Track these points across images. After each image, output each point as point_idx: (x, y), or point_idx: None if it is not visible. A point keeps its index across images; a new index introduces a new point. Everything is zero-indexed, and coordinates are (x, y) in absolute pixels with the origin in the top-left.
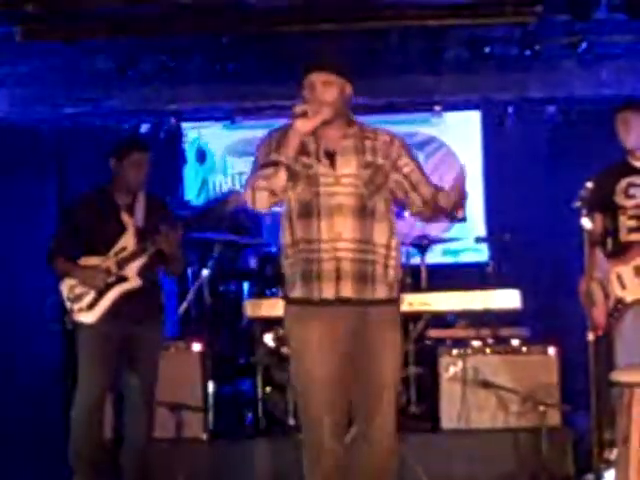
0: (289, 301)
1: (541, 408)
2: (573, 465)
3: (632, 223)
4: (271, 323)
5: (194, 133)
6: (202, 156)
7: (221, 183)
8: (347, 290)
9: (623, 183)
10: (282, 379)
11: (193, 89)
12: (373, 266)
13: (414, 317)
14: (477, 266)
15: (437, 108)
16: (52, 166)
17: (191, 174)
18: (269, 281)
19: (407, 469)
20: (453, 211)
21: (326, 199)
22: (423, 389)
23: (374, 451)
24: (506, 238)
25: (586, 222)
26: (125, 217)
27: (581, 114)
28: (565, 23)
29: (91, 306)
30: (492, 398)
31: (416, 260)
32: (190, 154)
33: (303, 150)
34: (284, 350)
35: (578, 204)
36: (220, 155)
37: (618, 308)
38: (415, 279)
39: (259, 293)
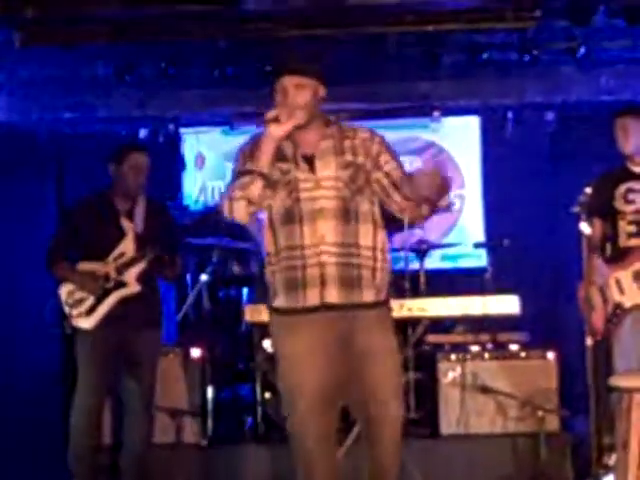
0: (274, 310)
1: (540, 413)
2: (572, 470)
3: (631, 228)
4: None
5: (193, 138)
6: (201, 161)
7: (220, 189)
8: (332, 296)
9: (622, 188)
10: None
11: (192, 94)
12: (359, 270)
13: (413, 322)
14: (476, 271)
15: (436, 113)
16: (51, 171)
17: (190, 179)
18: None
19: (406, 474)
20: (437, 199)
21: (307, 204)
22: (422, 394)
23: (379, 455)
24: (505, 243)
25: (585, 227)
26: (125, 222)
27: (580, 119)
28: (564, 28)
29: (90, 311)
30: (491, 403)
31: (415, 265)
32: (189, 159)
33: (280, 156)
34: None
35: (577, 209)
36: (219, 161)
37: (617, 313)
38: (414, 284)
39: (258, 298)
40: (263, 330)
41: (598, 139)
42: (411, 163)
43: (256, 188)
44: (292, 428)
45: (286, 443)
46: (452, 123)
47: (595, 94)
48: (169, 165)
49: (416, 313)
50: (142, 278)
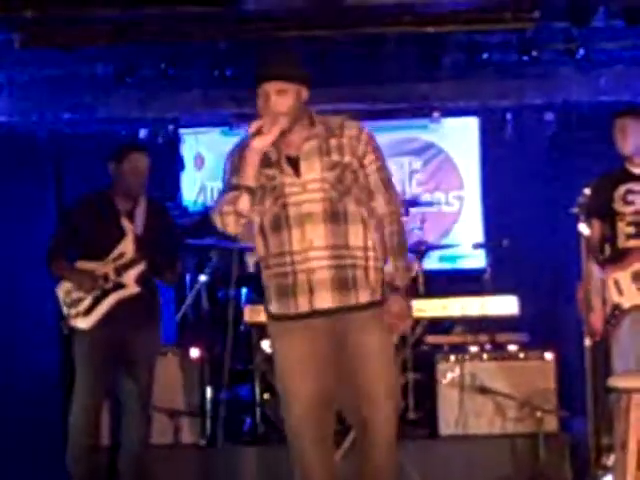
0: (269, 316)
1: (538, 414)
2: (570, 471)
3: (630, 229)
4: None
5: (192, 139)
6: (200, 162)
7: (219, 189)
8: (325, 300)
9: (621, 190)
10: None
11: (191, 95)
12: (353, 271)
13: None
14: (475, 272)
15: (435, 114)
16: (50, 171)
17: (189, 180)
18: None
19: (405, 475)
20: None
21: (295, 209)
22: (421, 395)
23: (373, 456)
24: (504, 244)
25: (584, 228)
26: (125, 223)
27: (579, 120)
28: (563, 29)
29: (88, 312)
30: (489, 404)
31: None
32: (188, 160)
33: (265, 162)
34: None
35: (576, 210)
36: (218, 161)
37: (615, 314)
38: (412, 285)
39: (257, 299)
40: (262, 331)
41: (597, 140)
42: (410, 164)
43: (244, 202)
44: (289, 431)
45: (285, 444)
46: (451, 124)
47: (594, 95)
48: (168, 166)
49: (415, 314)
50: (141, 280)
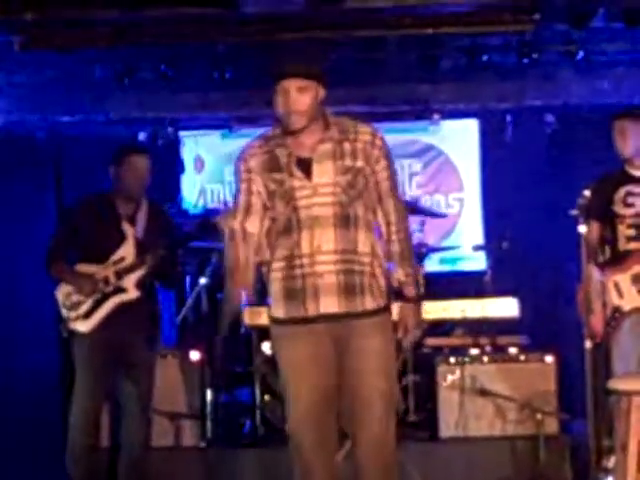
0: (273, 320)
1: (539, 416)
2: (571, 473)
3: (631, 232)
4: (269, 331)
5: (192, 142)
6: (200, 165)
7: (219, 192)
8: (332, 305)
9: (621, 192)
10: (280, 387)
11: (191, 97)
12: (361, 277)
13: None
14: (475, 274)
15: (435, 116)
16: (50, 173)
17: (189, 183)
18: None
19: (406, 477)
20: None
21: (305, 212)
22: (421, 397)
23: (366, 462)
24: (504, 246)
25: (584, 230)
26: (126, 226)
27: (579, 122)
28: (563, 31)
29: (87, 315)
30: (490, 406)
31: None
32: (188, 163)
33: (274, 166)
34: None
35: (576, 212)
36: (218, 164)
37: (615, 316)
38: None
39: (257, 301)
40: (262, 333)
41: (597, 142)
42: (410, 166)
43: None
44: (291, 432)
45: (285, 446)
46: (451, 126)
47: (594, 97)
48: (168, 168)
49: None
50: (141, 284)
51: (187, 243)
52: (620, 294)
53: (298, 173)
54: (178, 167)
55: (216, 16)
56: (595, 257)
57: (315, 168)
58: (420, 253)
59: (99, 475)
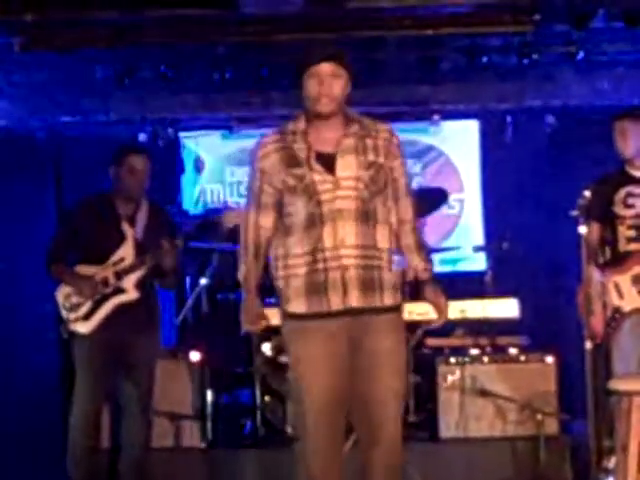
0: (291, 316)
1: (539, 416)
2: (571, 473)
3: (631, 233)
4: (269, 332)
5: (192, 142)
6: (200, 165)
7: (219, 192)
8: (355, 299)
9: (622, 193)
10: (280, 388)
11: (191, 98)
12: (380, 272)
13: (412, 326)
14: (475, 275)
15: (435, 117)
16: (50, 174)
17: (189, 183)
18: (267, 290)
19: (406, 478)
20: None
21: (327, 206)
22: (421, 398)
23: (380, 456)
24: (504, 247)
25: (584, 231)
26: (125, 227)
27: (579, 123)
28: (563, 32)
29: (87, 316)
30: (490, 407)
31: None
32: (188, 163)
33: (293, 161)
34: (282, 359)
35: (576, 213)
36: (218, 164)
37: (615, 317)
38: (414, 288)
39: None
40: (262, 334)
41: (597, 142)
42: (410, 167)
43: None
44: (301, 428)
45: (285, 447)
46: (451, 127)
47: (594, 97)
48: (168, 169)
49: (415, 317)
50: (140, 285)
51: (187, 242)
52: (620, 295)
53: (318, 167)
54: (178, 167)
55: (216, 17)
56: (595, 258)
57: (338, 162)
58: None
59: (99, 476)
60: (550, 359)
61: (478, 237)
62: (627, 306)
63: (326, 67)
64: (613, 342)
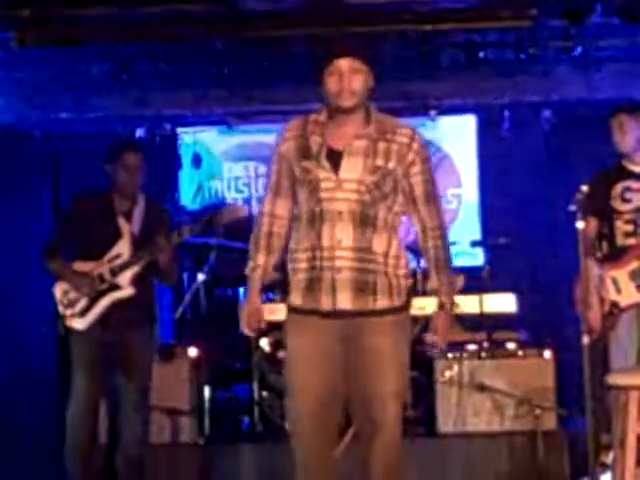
0: (289, 308)
1: (537, 411)
2: (569, 468)
3: (628, 227)
4: (267, 328)
5: (190, 138)
6: (198, 161)
7: (217, 188)
8: (345, 301)
9: (619, 187)
10: (278, 383)
11: (189, 94)
12: (374, 276)
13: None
14: (472, 270)
15: (433, 112)
16: (47, 170)
17: (187, 179)
18: (265, 286)
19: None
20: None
21: (327, 205)
22: (419, 393)
23: (379, 462)
24: (502, 242)
25: (581, 226)
26: (122, 223)
27: (576, 118)
28: (560, 27)
29: (83, 313)
30: (488, 402)
31: (411, 264)
32: (186, 159)
33: (305, 153)
34: (280, 354)
35: (573, 208)
36: (216, 160)
37: (613, 312)
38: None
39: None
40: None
41: (595, 137)
42: None
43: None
44: (292, 424)
45: (283, 442)
46: (449, 122)
47: (591, 92)
48: (166, 165)
49: (413, 312)
50: (136, 281)
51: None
52: (618, 290)
53: (325, 164)
54: (176, 164)
55: (214, 13)
56: (593, 253)
57: (344, 162)
58: (417, 249)
59: (97, 472)
60: (548, 354)
61: (475, 232)
62: (625, 301)
63: (345, 63)
64: (611, 337)
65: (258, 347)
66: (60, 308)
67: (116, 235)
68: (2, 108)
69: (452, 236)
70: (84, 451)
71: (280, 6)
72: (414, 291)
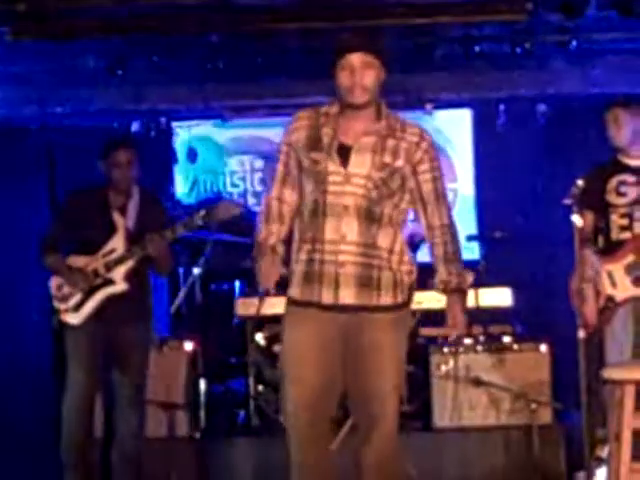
0: (289, 300)
1: (533, 405)
2: (565, 462)
3: (623, 221)
4: (262, 322)
5: (185, 132)
6: (193, 155)
7: (212, 182)
8: (348, 296)
9: (614, 181)
10: (274, 377)
11: (184, 88)
12: (379, 272)
13: None
14: (468, 264)
15: (428, 106)
16: (43, 164)
17: (182, 173)
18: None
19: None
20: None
21: (333, 198)
22: (415, 387)
23: (377, 456)
24: (497, 236)
25: (577, 220)
26: (117, 217)
27: (572, 112)
28: (556, 21)
29: (77, 307)
30: (484, 396)
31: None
32: (181, 153)
33: (315, 145)
34: (276, 348)
35: (569, 201)
36: (211, 154)
37: (609, 306)
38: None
39: (251, 292)
40: (255, 323)
41: (590, 131)
42: None
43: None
44: (287, 416)
45: (279, 436)
46: (445, 116)
47: (587, 86)
48: (161, 159)
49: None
50: (130, 276)
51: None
52: (613, 284)
53: (336, 157)
54: (171, 157)
55: (209, 7)
56: (589, 247)
57: (353, 158)
58: (413, 243)
59: (93, 466)
60: (544, 348)
61: (471, 226)
62: (620, 295)
63: (357, 58)
64: (606, 331)
65: (254, 341)
66: (55, 302)
67: (111, 230)
68: None
69: None
70: (80, 445)
71: (275, 0)
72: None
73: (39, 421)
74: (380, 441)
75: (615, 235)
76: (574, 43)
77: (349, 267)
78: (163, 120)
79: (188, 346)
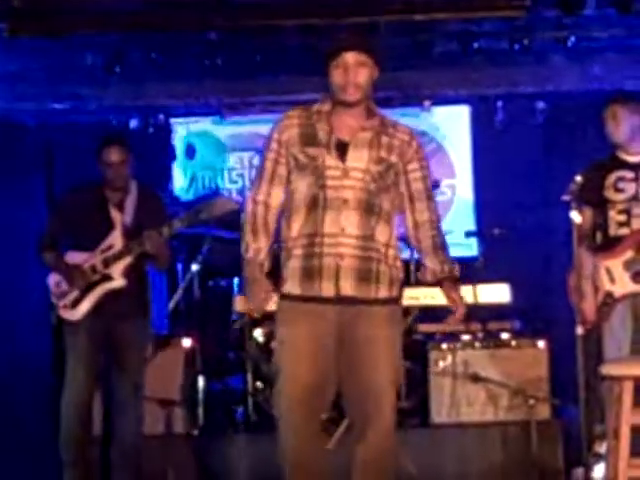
0: (284, 296)
1: (531, 402)
2: (563, 458)
3: (621, 217)
4: (261, 318)
5: (183, 129)
6: (191, 152)
7: (210, 179)
8: (348, 288)
9: (612, 177)
10: (272, 374)
11: (182, 84)
12: (377, 265)
13: (403, 311)
14: (467, 260)
15: (427, 103)
16: (41, 161)
17: (180, 170)
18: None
19: (398, 464)
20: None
21: (332, 192)
22: (413, 383)
23: (372, 452)
24: (496, 232)
25: (575, 216)
26: (114, 213)
27: (570, 108)
28: (554, 18)
29: (75, 304)
30: (482, 392)
31: (405, 255)
32: (179, 150)
33: (312, 140)
34: (274, 345)
35: (567, 198)
36: (209, 151)
37: (607, 302)
38: (404, 274)
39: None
40: (254, 320)
41: (589, 128)
42: None
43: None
44: (280, 412)
45: (277, 432)
46: (442, 112)
47: (585, 83)
48: (159, 155)
49: (407, 302)
50: (128, 272)
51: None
52: (612, 280)
53: (334, 152)
54: (169, 154)
55: (208, 3)
56: (587, 243)
57: (351, 152)
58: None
59: (92, 463)
60: (542, 344)
61: (469, 223)
62: (619, 291)
63: (351, 56)
64: (605, 327)
65: (252, 337)
66: (53, 299)
67: (109, 226)
68: None
69: (446, 227)
70: (79, 441)
71: None
72: (407, 281)
73: (39, 418)
74: (376, 437)
75: (613, 231)
76: (573, 40)
77: (348, 260)
78: (161, 117)
79: (186, 343)
